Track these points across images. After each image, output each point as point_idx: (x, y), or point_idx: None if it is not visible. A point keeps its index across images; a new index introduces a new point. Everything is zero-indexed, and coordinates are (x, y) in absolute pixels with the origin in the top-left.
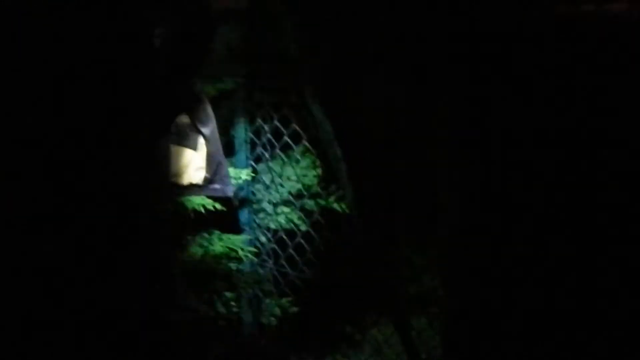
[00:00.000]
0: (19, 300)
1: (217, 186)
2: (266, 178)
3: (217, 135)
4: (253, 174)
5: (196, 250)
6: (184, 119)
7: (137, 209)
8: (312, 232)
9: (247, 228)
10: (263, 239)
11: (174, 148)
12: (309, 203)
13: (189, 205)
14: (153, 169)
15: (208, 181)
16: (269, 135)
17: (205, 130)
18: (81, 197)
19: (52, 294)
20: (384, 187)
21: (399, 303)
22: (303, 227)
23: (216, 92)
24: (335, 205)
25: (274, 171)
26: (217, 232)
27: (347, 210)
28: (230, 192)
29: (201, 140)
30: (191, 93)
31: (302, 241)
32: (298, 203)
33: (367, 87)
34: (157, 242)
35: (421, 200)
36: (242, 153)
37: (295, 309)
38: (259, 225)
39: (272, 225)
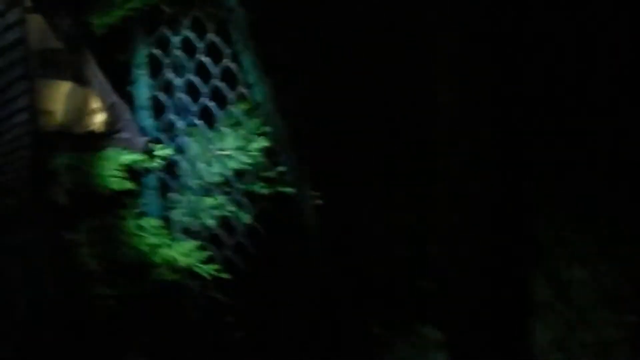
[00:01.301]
0: None
1: (125, 135)
2: (182, 156)
3: (98, 70)
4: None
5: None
6: (53, 44)
7: None
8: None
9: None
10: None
11: (46, 83)
12: (250, 189)
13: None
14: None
15: (112, 128)
16: (182, 94)
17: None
18: None
19: None
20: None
21: None
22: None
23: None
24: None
25: (195, 145)
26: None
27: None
28: (142, 144)
29: (87, 72)
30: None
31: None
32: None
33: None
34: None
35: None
36: (144, 120)
37: None
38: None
39: (193, 224)
